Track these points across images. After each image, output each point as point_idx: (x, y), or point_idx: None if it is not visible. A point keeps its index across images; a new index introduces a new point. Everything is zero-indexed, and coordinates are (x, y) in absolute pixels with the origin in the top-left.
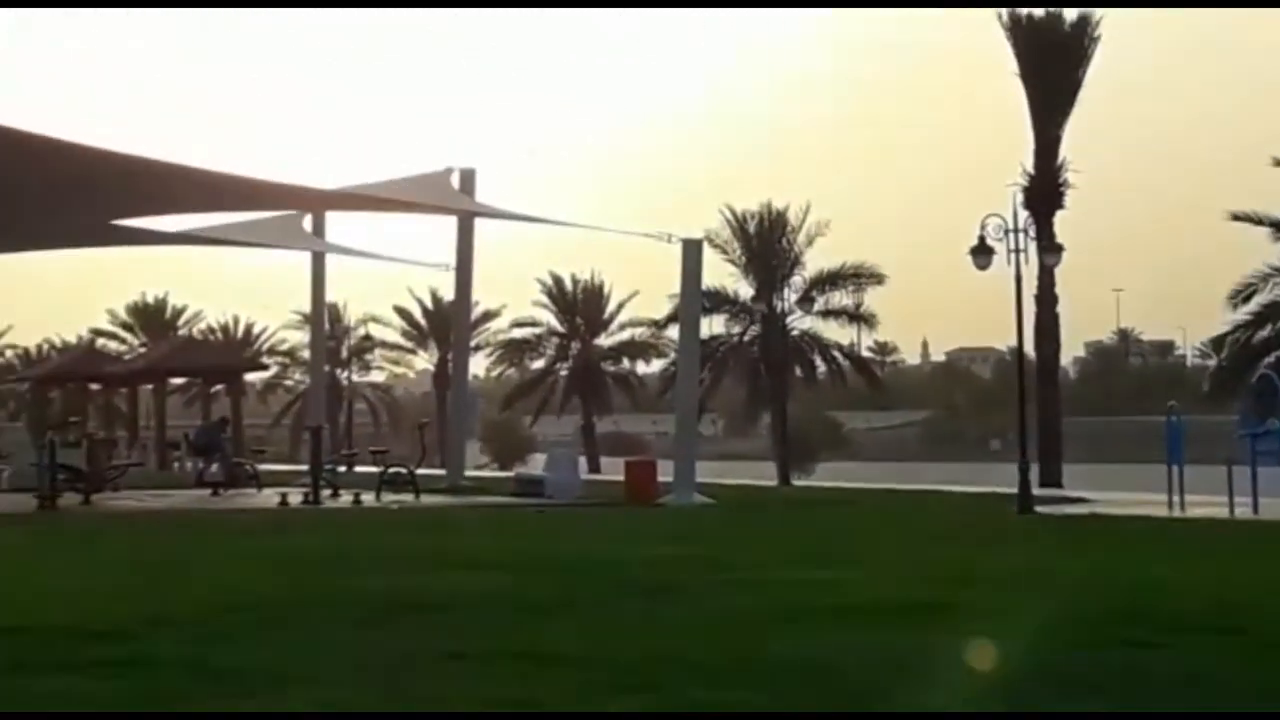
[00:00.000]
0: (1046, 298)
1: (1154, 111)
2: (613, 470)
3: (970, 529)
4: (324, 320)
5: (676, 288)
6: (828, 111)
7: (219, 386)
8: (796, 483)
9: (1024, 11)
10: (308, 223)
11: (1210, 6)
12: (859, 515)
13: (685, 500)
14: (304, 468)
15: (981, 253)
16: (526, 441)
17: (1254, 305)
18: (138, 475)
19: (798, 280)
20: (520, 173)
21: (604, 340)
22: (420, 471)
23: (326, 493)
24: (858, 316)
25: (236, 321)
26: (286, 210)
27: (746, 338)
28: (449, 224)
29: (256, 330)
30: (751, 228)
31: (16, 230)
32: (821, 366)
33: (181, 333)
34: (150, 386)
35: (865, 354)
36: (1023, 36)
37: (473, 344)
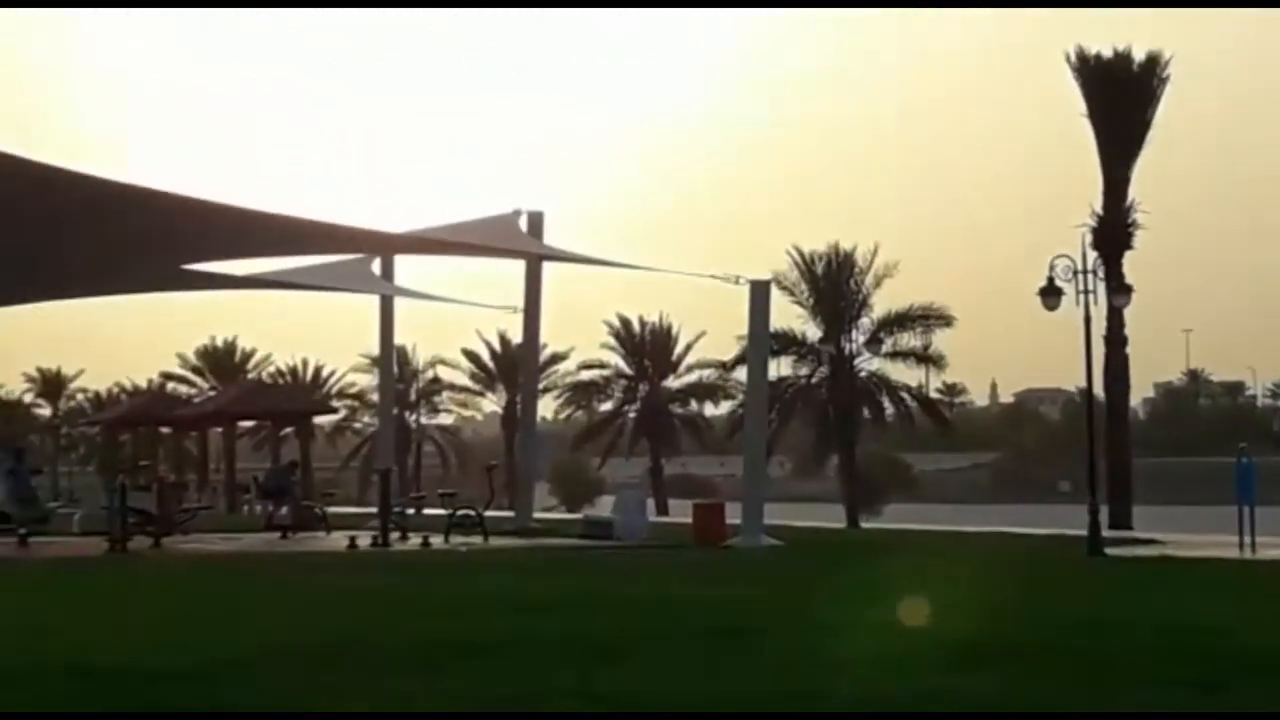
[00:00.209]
0: (1115, 338)
1: (1222, 150)
2: (681, 512)
3: (1040, 572)
4: (392, 363)
5: (744, 329)
6: (895, 152)
7: (288, 429)
8: (865, 525)
9: (1093, 51)
10: (376, 265)
11: None
12: (927, 557)
13: (753, 542)
14: (373, 510)
15: (1050, 294)
16: (595, 483)
17: None
18: (207, 518)
19: (865, 322)
20: (583, 211)
21: (672, 382)
22: (489, 514)
23: (395, 535)
24: (926, 358)
25: (305, 364)
26: (355, 254)
27: (814, 379)
28: (517, 266)
29: (325, 373)
30: (819, 269)
31: (89, 275)
32: (890, 408)
33: (251, 376)
34: (220, 430)
35: (934, 395)
36: (1091, 76)
37: (541, 386)
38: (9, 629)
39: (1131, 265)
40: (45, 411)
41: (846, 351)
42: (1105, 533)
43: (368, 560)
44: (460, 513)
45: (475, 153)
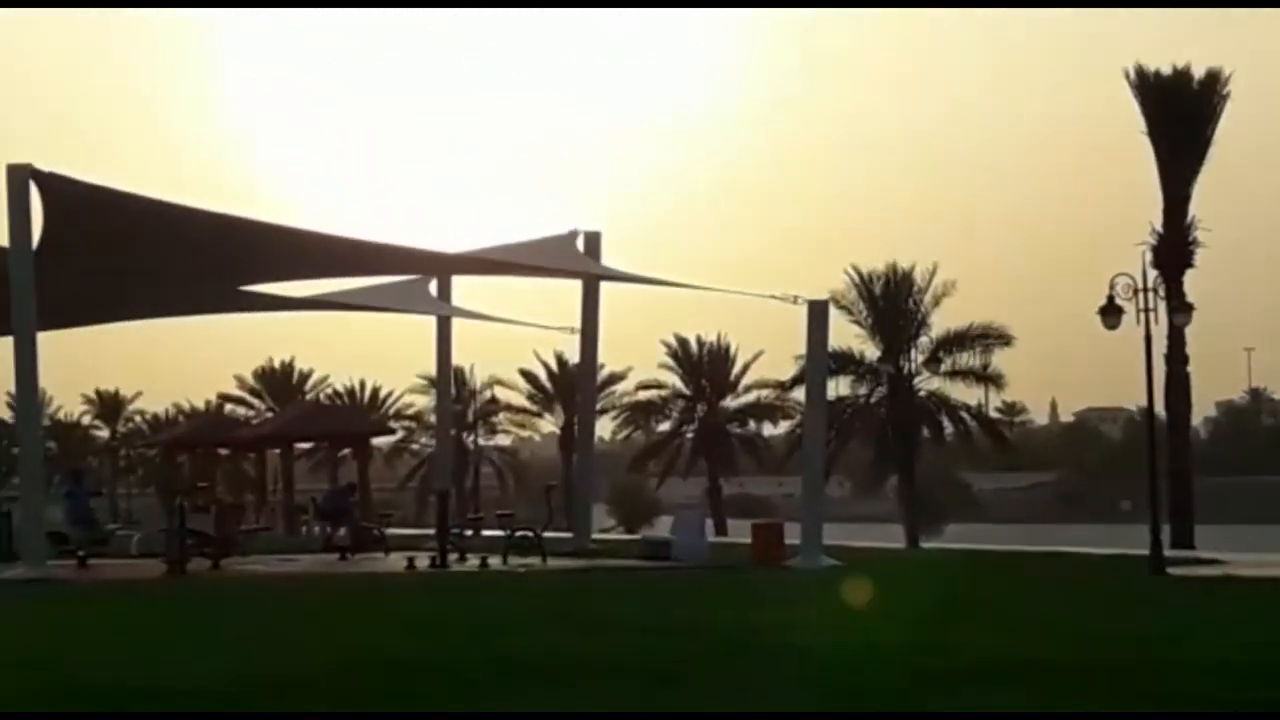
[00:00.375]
0: (1177, 357)
1: None
2: (739, 533)
3: (1101, 591)
4: (450, 384)
5: (802, 348)
6: (953, 169)
7: (346, 451)
8: (925, 545)
9: (1152, 68)
10: (433, 286)
11: None
12: (988, 577)
13: (813, 563)
14: (430, 531)
15: (1111, 312)
16: (653, 504)
17: None
18: (265, 540)
19: (924, 341)
20: (640, 230)
21: (730, 402)
22: (547, 534)
23: (453, 556)
24: (985, 377)
25: (363, 385)
26: (413, 275)
27: (873, 399)
28: (574, 286)
29: (383, 394)
30: (877, 288)
31: (147, 297)
32: (949, 427)
33: (308, 397)
34: (278, 451)
35: (993, 414)
36: (1150, 94)
37: (599, 406)
38: (84, 648)
39: (1192, 283)
40: (104, 433)
41: (905, 371)
42: (1167, 552)
43: (426, 581)
44: (518, 534)
45: (531, 168)
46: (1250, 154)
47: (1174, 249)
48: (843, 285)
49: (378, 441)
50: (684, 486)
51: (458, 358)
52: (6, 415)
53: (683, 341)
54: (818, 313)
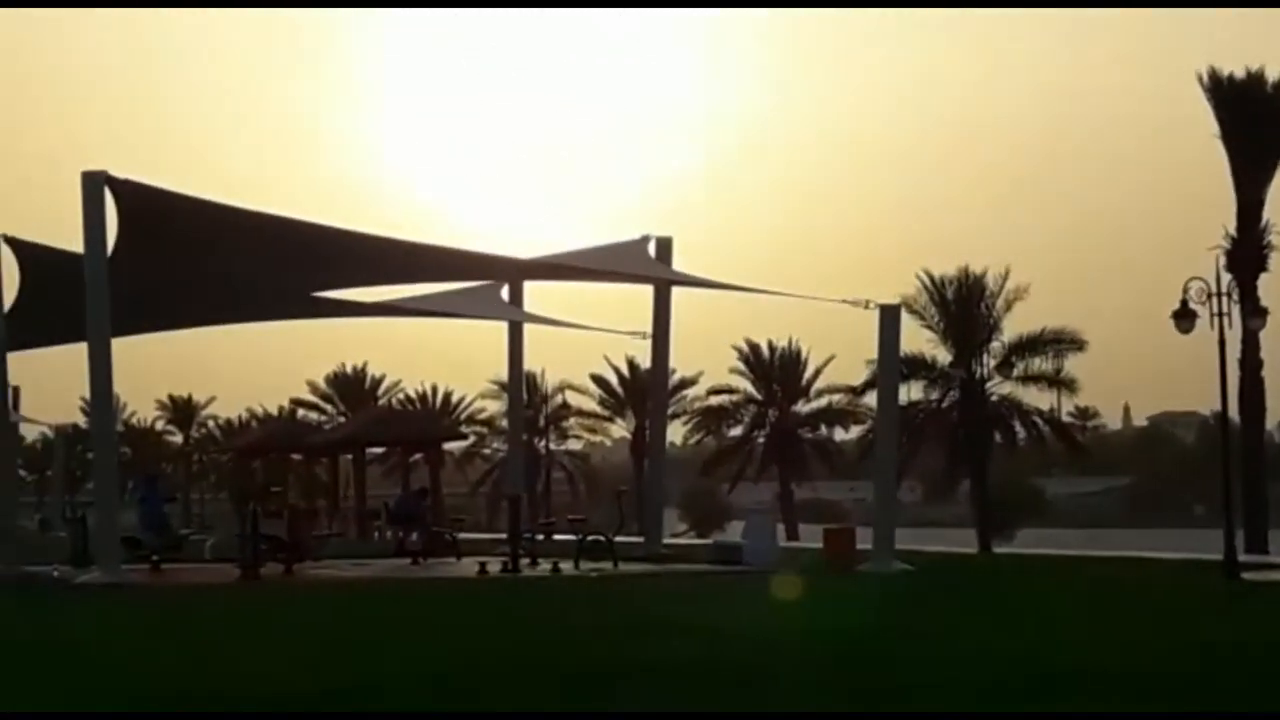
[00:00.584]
0: (1251, 361)
1: None
2: (811, 537)
3: (1176, 596)
4: (522, 389)
5: (874, 353)
6: (1027, 174)
7: (418, 455)
8: (997, 550)
9: (1226, 71)
10: (505, 291)
11: None
12: (1061, 583)
13: (884, 568)
14: (502, 536)
15: (1184, 317)
16: (724, 509)
17: None
18: (338, 544)
19: (996, 345)
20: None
21: (801, 407)
22: (618, 539)
23: (525, 561)
24: (1058, 381)
25: (435, 390)
26: (485, 280)
27: (945, 404)
28: (645, 291)
29: (455, 399)
30: (949, 293)
31: (220, 302)
32: (1021, 432)
33: (381, 402)
34: (350, 456)
35: (1066, 419)
36: (1224, 97)
37: (670, 411)
38: (179, 651)
39: (1266, 287)
40: (177, 439)
41: (977, 375)
42: (1241, 557)
43: (498, 586)
44: (590, 538)
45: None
46: None
47: (1248, 253)
48: (914, 290)
49: (449, 446)
50: (755, 491)
51: (529, 363)
52: (82, 421)
53: (754, 346)
54: (889, 317)
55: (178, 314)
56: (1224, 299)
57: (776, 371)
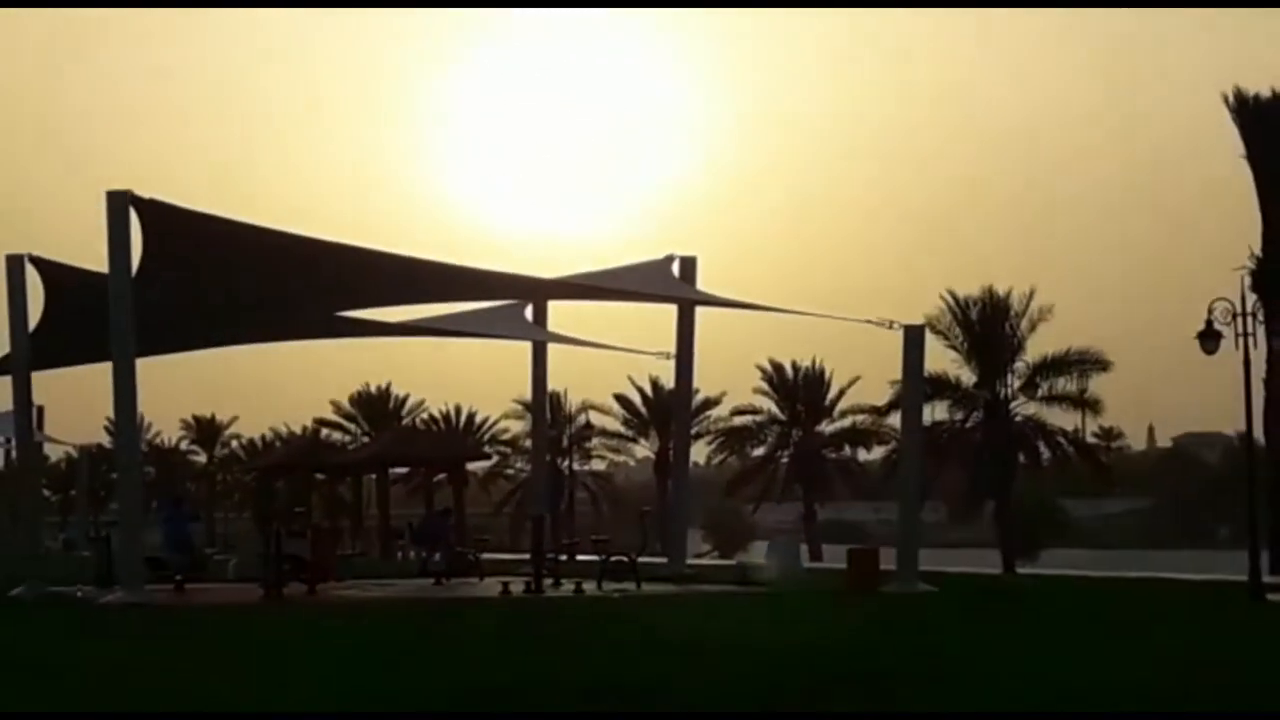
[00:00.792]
0: (1276, 382)
1: None
2: (835, 558)
3: (1201, 618)
4: (545, 409)
5: (898, 373)
6: (1050, 194)
7: (441, 475)
8: (1021, 570)
9: (1251, 91)
10: (529, 311)
11: None
12: (1085, 603)
13: (908, 588)
14: (525, 556)
15: (1209, 337)
16: (748, 529)
17: None
18: (361, 564)
19: (1020, 366)
20: (729, 254)
21: (825, 427)
22: (642, 560)
23: (548, 581)
24: (1082, 402)
25: (458, 410)
26: (508, 300)
27: (969, 424)
28: (669, 311)
29: (478, 419)
30: (973, 313)
31: (244, 322)
32: (1046, 453)
33: (404, 422)
34: (373, 476)
35: (1090, 440)
36: (1249, 117)
37: (693, 431)
38: (198, 671)
39: None
40: (201, 458)
41: (1001, 396)
42: (1266, 578)
43: (521, 606)
44: (613, 559)
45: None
46: None
47: (1274, 273)
48: (938, 310)
49: (473, 466)
50: (779, 511)
51: (553, 383)
52: (106, 440)
53: (778, 366)
54: (913, 338)
55: (202, 334)
56: (1249, 319)
57: (800, 391)
